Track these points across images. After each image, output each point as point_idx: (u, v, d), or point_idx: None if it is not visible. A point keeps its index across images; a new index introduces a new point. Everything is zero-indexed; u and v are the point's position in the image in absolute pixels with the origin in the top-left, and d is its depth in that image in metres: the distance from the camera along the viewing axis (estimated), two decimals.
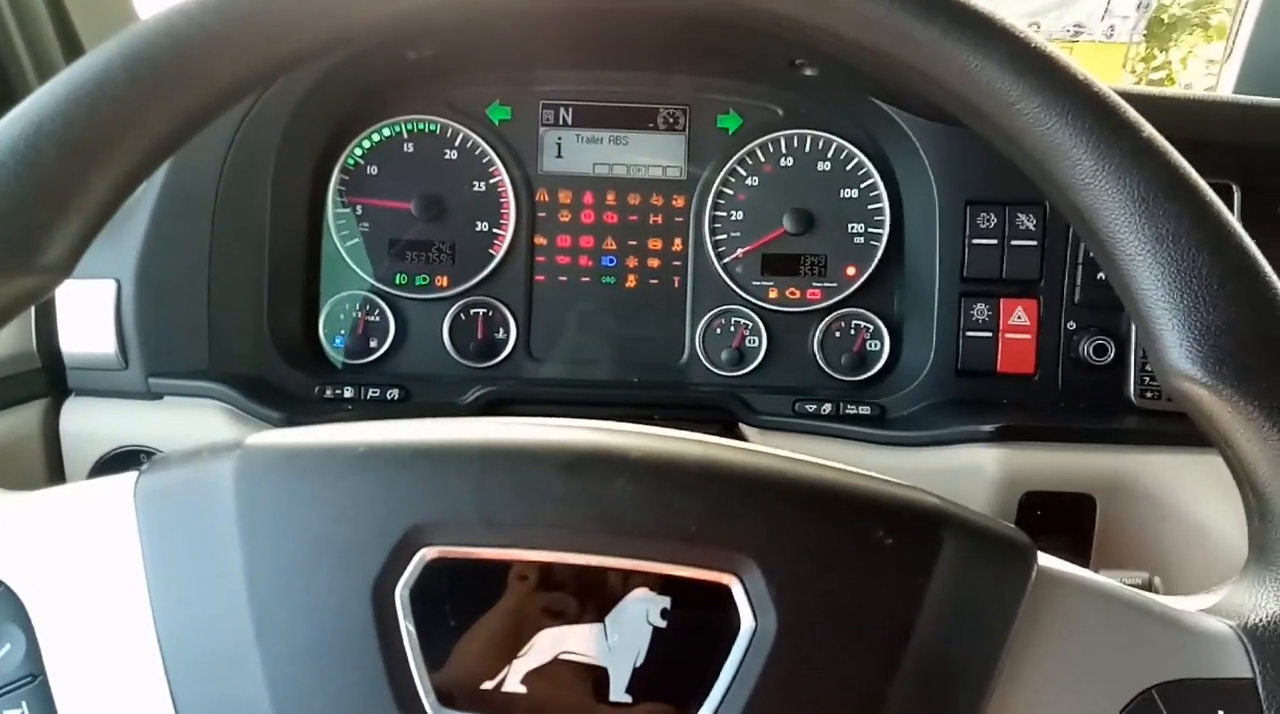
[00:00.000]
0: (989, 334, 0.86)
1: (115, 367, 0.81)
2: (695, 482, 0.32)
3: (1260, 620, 0.34)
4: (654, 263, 0.93)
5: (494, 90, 0.92)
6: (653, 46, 0.88)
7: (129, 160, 0.35)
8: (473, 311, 0.93)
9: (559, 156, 0.93)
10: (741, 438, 0.87)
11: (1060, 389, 0.85)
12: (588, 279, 0.93)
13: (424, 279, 0.92)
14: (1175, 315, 0.34)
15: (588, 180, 0.93)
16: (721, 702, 0.30)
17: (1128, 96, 0.36)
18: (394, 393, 0.87)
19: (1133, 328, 0.83)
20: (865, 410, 0.86)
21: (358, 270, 0.92)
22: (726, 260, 0.92)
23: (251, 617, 0.31)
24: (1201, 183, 0.34)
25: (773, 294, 0.92)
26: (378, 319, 0.92)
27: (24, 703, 0.32)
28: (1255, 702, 0.33)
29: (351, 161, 0.91)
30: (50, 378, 0.83)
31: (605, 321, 0.93)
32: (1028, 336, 0.85)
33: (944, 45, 0.35)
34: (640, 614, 0.31)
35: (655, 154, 0.93)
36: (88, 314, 0.80)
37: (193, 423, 0.81)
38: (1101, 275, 0.76)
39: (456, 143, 0.92)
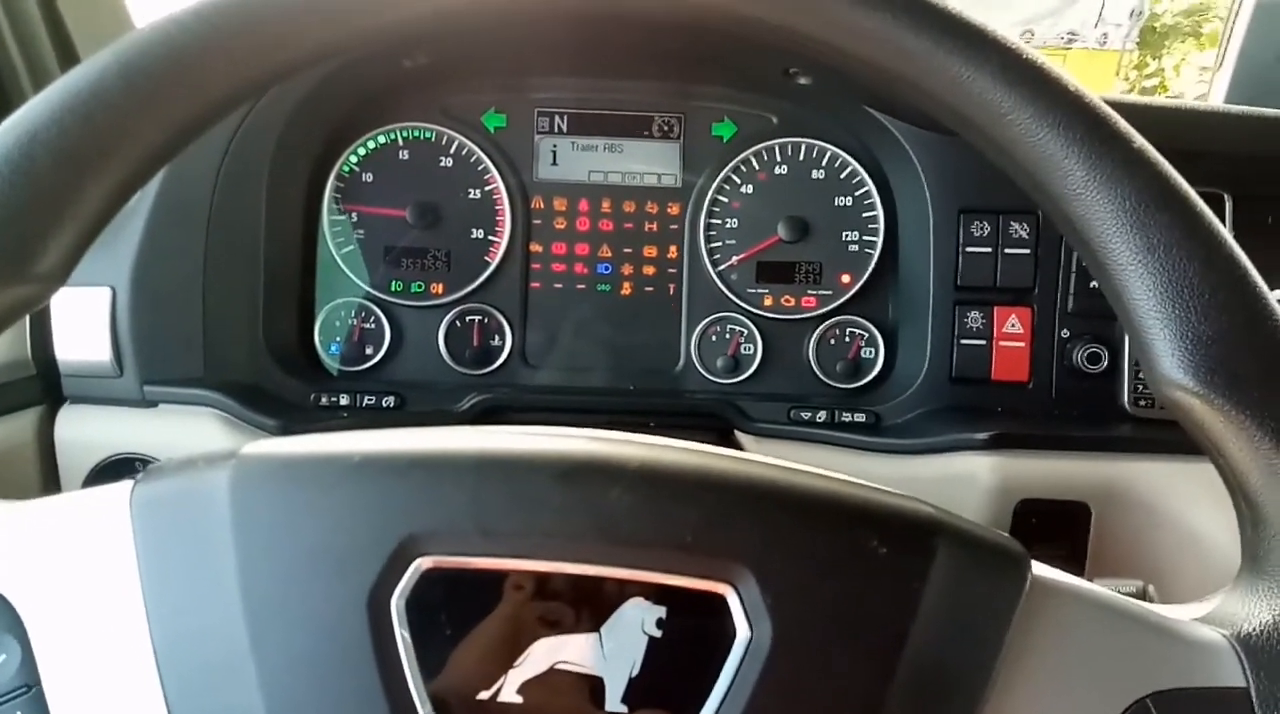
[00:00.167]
0: (983, 342, 0.86)
1: (110, 374, 0.81)
2: (690, 491, 0.32)
3: (1253, 630, 0.34)
4: (649, 270, 0.93)
5: (489, 98, 0.93)
6: (647, 54, 0.88)
7: (124, 169, 0.35)
8: (468, 319, 0.93)
9: (554, 164, 0.93)
10: (737, 445, 0.87)
11: (1054, 397, 0.86)
12: (583, 286, 0.93)
13: (419, 286, 0.92)
14: (1167, 325, 0.34)
15: (583, 188, 0.93)
16: (717, 712, 0.30)
17: (1120, 107, 0.36)
18: (389, 400, 0.87)
19: (1126, 336, 0.83)
20: (860, 418, 0.86)
21: (353, 277, 0.92)
22: (721, 268, 0.93)
23: (247, 626, 0.31)
24: (1192, 193, 0.35)
25: (768, 301, 0.93)
26: (373, 326, 0.92)
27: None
28: (1249, 711, 0.33)
29: (347, 169, 0.91)
30: (45, 385, 0.83)
31: (601, 329, 0.93)
32: (1022, 344, 0.86)
33: (936, 56, 0.35)
34: (636, 624, 0.31)
35: (650, 162, 0.93)
36: (83, 321, 0.80)
37: (188, 430, 0.81)
38: (1095, 283, 0.76)
39: (452, 150, 0.92)
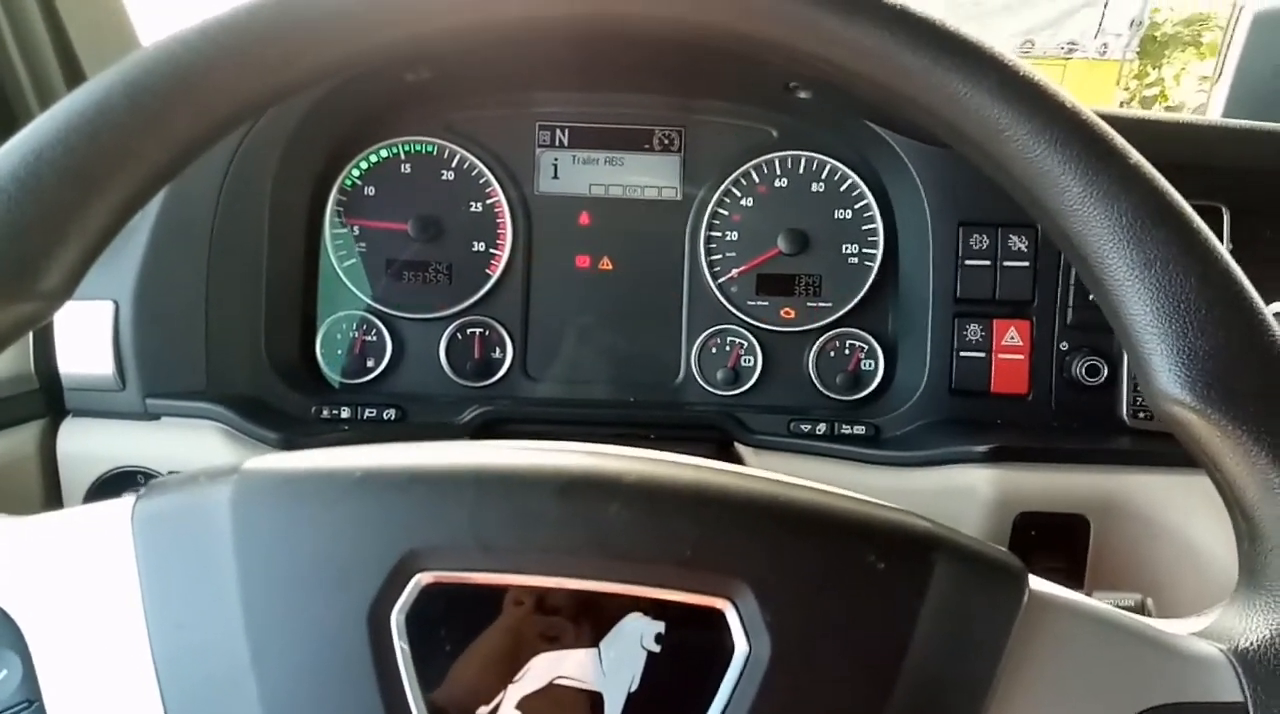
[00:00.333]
0: (982, 354, 0.86)
1: (113, 387, 0.81)
2: (689, 507, 0.32)
3: (1251, 644, 0.34)
4: (649, 283, 0.94)
5: (491, 112, 0.93)
6: (648, 69, 0.89)
7: (129, 187, 0.36)
8: (469, 331, 0.93)
9: (555, 177, 0.94)
10: (737, 457, 0.87)
11: (1053, 409, 0.86)
12: (584, 299, 0.94)
13: (421, 299, 0.92)
14: (1163, 340, 0.34)
15: (584, 201, 0.94)
16: None
17: (1118, 121, 0.37)
18: (391, 413, 0.87)
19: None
20: (860, 430, 0.87)
21: (355, 291, 0.92)
22: (722, 280, 0.93)
23: (248, 641, 0.31)
24: (1188, 209, 0.35)
25: (768, 314, 0.93)
26: (375, 339, 0.92)
27: None
28: None
29: (349, 182, 0.92)
30: (48, 398, 0.83)
31: (601, 341, 0.94)
32: (1021, 357, 0.86)
33: (934, 73, 0.36)
34: (635, 639, 0.31)
35: (651, 175, 0.94)
36: (85, 335, 0.80)
37: (190, 443, 0.81)
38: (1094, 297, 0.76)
39: (453, 164, 0.92)
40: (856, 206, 0.92)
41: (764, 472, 0.35)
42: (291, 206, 0.89)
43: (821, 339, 0.93)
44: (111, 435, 0.82)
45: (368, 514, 0.32)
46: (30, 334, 0.81)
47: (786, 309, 0.93)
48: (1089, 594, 0.37)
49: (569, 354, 0.94)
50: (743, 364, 0.93)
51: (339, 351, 0.92)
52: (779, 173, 0.93)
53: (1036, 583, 0.34)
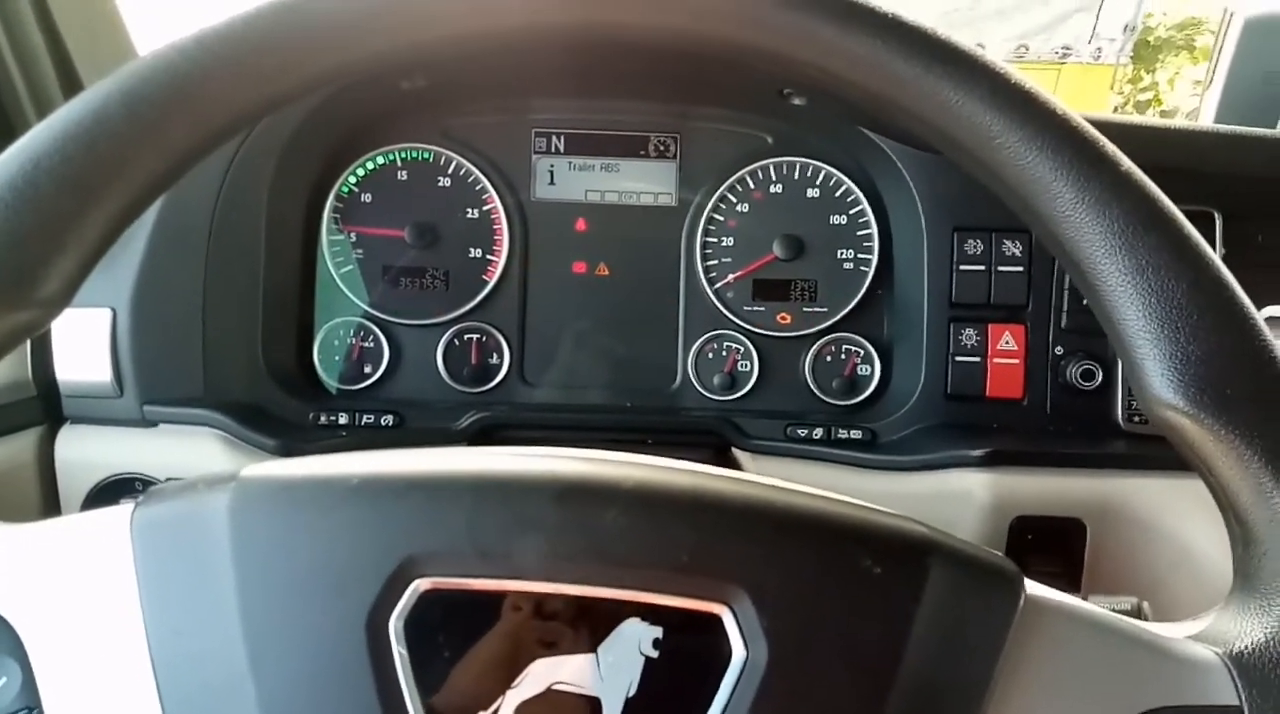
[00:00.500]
0: (977, 359, 0.86)
1: (110, 394, 0.81)
2: (686, 512, 0.32)
3: (1246, 648, 0.34)
4: (646, 289, 0.94)
5: (487, 119, 0.93)
6: (644, 77, 0.89)
7: (126, 196, 0.36)
8: (466, 337, 0.93)
9: (551, 183, 0.94)
10: (734, 462, 0.88)
11: (1049, 413, 0.86)
12: (580, 305, 0.94)
13: (418, 305, 0.93)
14: (1156, 345, 0.34)
15: (580, 207, 0.94)
16: None
17: (1110, 127, 0.37)
18: (388, 419, 0.87)
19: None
20: (856, 435, 0.87)
21: (352, 297, 0.92)
22: (718, 286, 0.93)
23: (246, 648, 0.31)
24: (1180, 215, 0.35)
25: (764, 319, 0.93)
26: (372, 345, 0.93)
27: None
28: None
29: (346, 189, 0.92)
30: (45, 406, 0.83)
31: (598, 346, 0.94)
32: (1016, 361, 0.86)
33: (926, 81, 0.36)
34: (632, 644, 0.31)
35: (647, 181, 0.94)
36: (83, 342, 0.80)
37: (187, 450, 0.81)
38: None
39: (450, 170, 0.93)
40: (852, 212, 0.93)
41: (761, 477, 0.35)
42: (288, 214, 0.89)
43: (817, 344, 0.93)
44: (109, 442, 0.82)
45: (365, 520, 0.32)
46: (28, 341, 0.82)
47: (782, 314, 0.93)
48: (1085, 598, 0.37)
49: (566, 360, 0.94)
50: (739, 369, 0.93)
51: (336, 358, 0.93)
52: (774, 179, 0.93)
53: (1032, 587, 0.35)
